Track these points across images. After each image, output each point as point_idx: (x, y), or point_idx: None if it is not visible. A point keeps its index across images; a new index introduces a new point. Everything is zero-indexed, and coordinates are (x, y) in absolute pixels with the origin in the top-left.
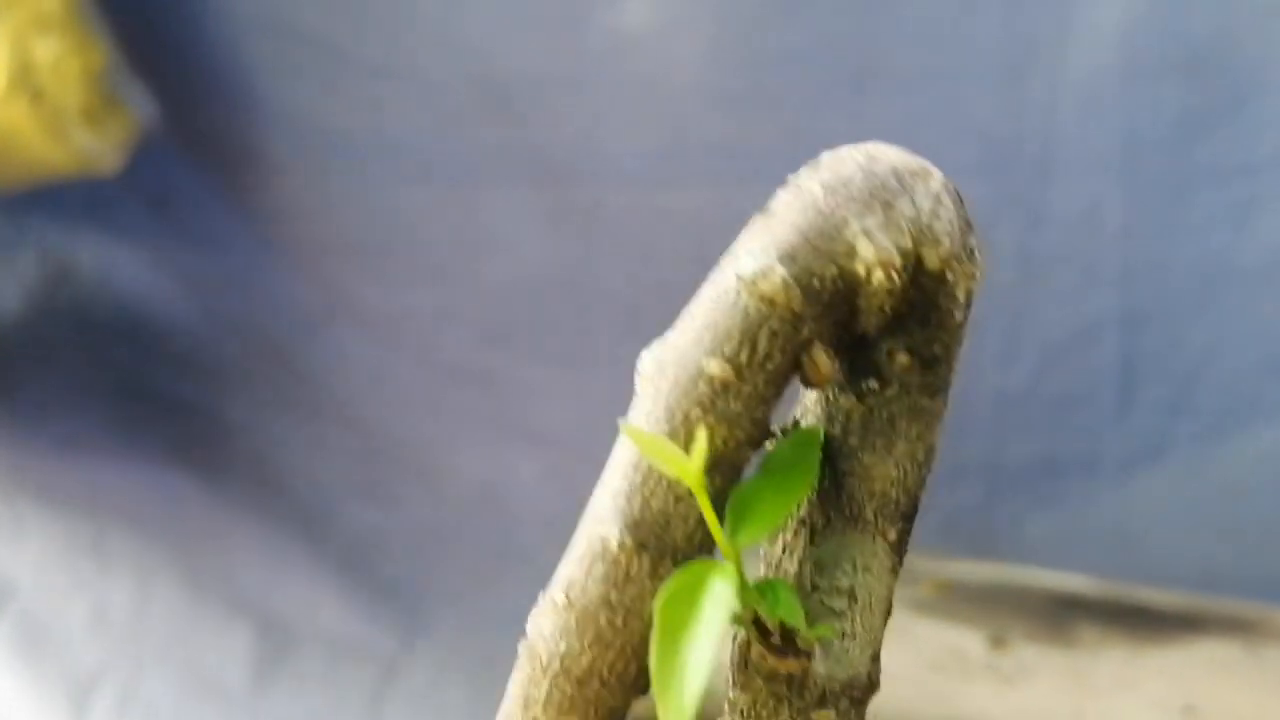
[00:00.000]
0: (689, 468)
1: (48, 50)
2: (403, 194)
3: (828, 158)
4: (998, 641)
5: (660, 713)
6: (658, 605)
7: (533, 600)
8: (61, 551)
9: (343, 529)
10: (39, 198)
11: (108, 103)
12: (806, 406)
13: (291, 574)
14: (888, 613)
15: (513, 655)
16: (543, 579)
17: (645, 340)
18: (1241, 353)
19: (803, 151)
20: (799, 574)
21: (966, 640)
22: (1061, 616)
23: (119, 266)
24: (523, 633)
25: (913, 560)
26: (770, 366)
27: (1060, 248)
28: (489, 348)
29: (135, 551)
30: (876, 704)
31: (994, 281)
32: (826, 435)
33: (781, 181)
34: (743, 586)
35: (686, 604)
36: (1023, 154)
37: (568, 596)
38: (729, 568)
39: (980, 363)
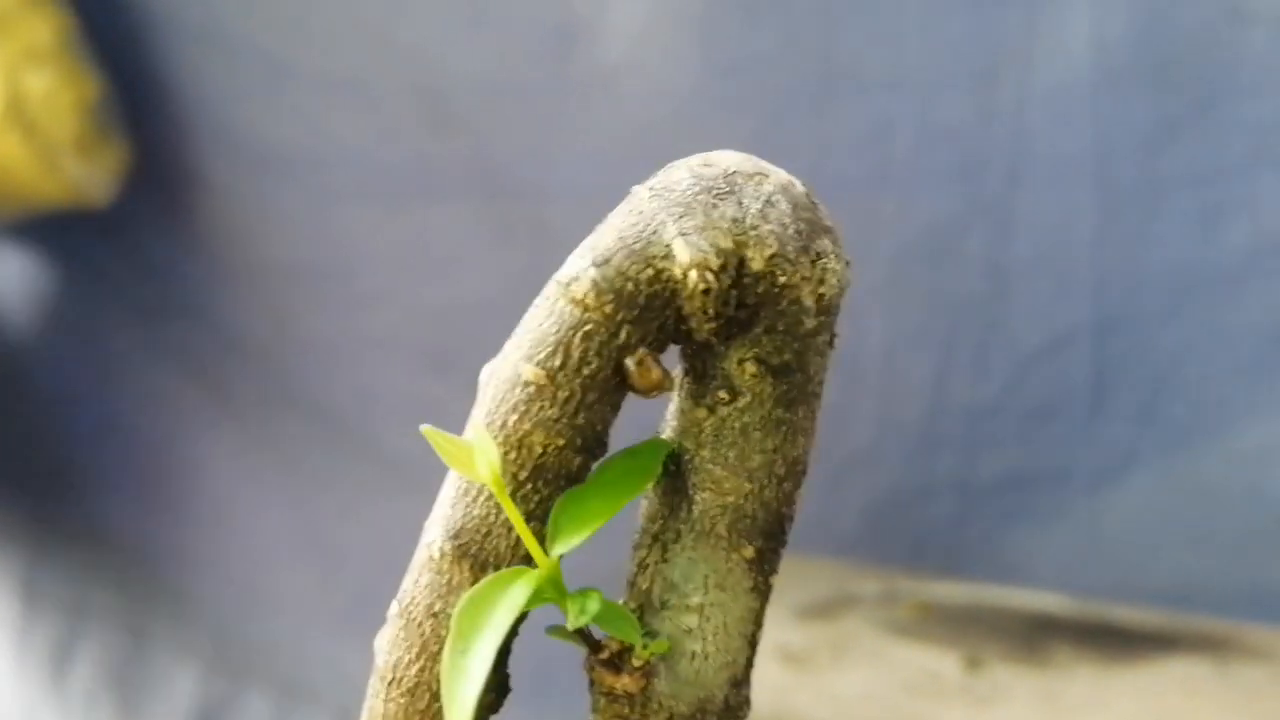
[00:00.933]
0: (482, 471)
1: (41, 83)
2: (346, 211)
3: (668, 165)
4: (973, 663)
5: (445, 716)
6: (457, 610)
7: None
8: None
9: None
10: None
11: (99, 134)
12: (665, 419)
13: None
14: (754, 636)
15: None
16: None
17: None
18: (1211, 359)
19: (767, 159)
20: (649, 591)
21: (942, 662)
22: (1036, 637)
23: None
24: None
25: (891, 582)
26: (587, 371)
27: (1031, 257)
28: (433, 373)
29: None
30: None
31: (965, 293)
32: (681, 448)
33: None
34: (549, 591)
35: (483, 608)
36: (992, 162)
37: (400, 606)
38: (533, 573)
39: (951, 377)
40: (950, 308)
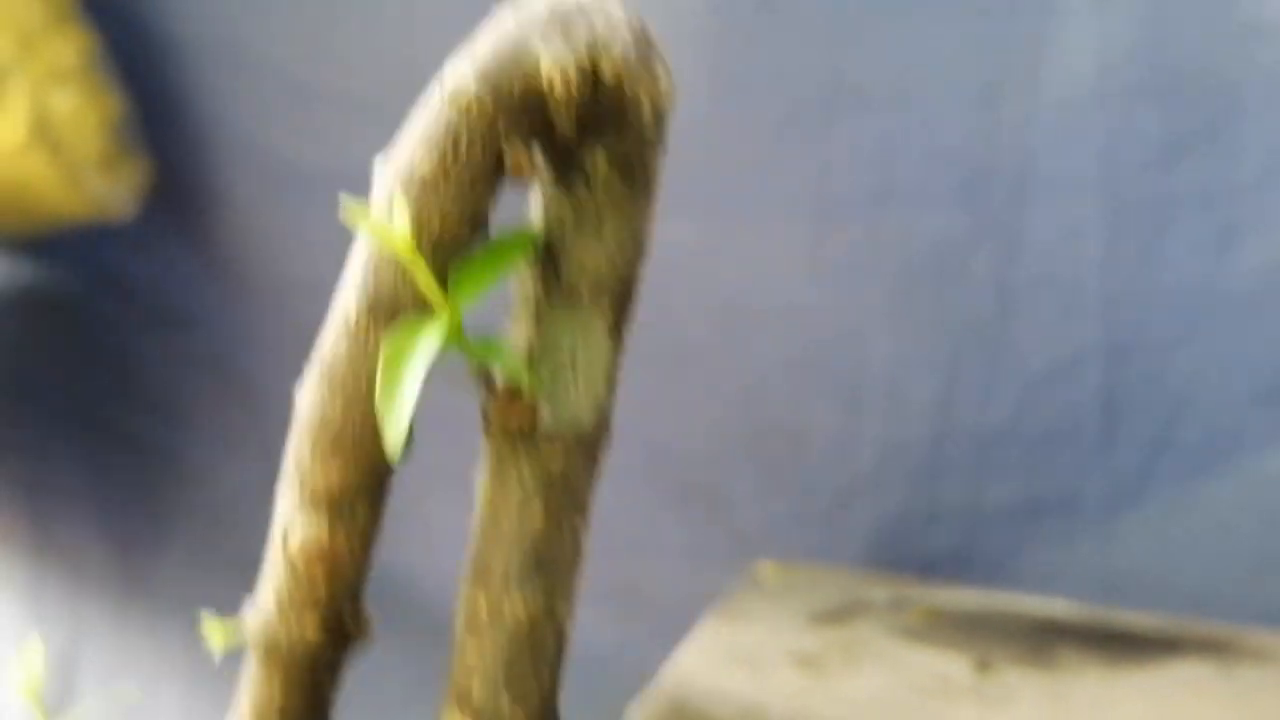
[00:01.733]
0: (395, 236)
1: (65, 102)
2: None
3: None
4: (982, 666)
5: (382, 431)
6: (383, 349)
7: None
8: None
9: None
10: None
11: (121, 151)
12: (532, 207)
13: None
14: (613, 376)
15: None
16: None
17: None
18: (1226, 383)
19: (770, 178)
20: (528, 345)
21: (952, 665)
22: (1043, 641)
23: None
24: None
25: (901, 588)
26: (473, 161)
27: (1039, 277)
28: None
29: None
30: None
31: (971, 315)
32: (548, 231)
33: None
34: (455, 335)
35: (404, 345)
36: (999, 180)
37: (321, 369)
38: (441, 316)
39: (957, 401)
40: (956, 329)
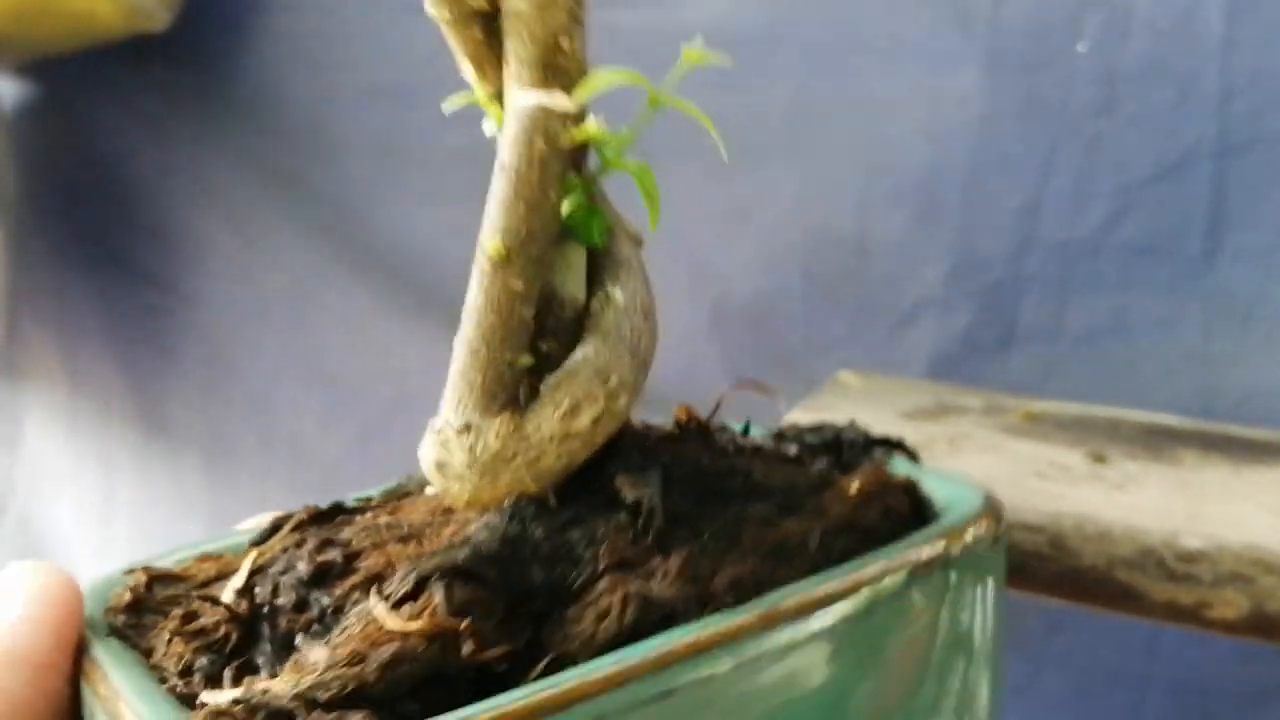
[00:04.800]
0: None
1: None
2: (417, 24)
3: None
4: (1098, 458)
5: None
6: None
7: None
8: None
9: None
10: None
11: None
12: None
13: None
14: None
15: None
16: None
17: None
18: None
19: None
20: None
21: (1066, 456)
22: (1158, 442)
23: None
24: None
25: (994, 399)
26: None
27: (1148, 63)
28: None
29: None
30: None
31: (1068, 104)
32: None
33: None
34: None
35: None
36: None
37: None
38: None
39: (1045, 206)
40: (1050, 121)
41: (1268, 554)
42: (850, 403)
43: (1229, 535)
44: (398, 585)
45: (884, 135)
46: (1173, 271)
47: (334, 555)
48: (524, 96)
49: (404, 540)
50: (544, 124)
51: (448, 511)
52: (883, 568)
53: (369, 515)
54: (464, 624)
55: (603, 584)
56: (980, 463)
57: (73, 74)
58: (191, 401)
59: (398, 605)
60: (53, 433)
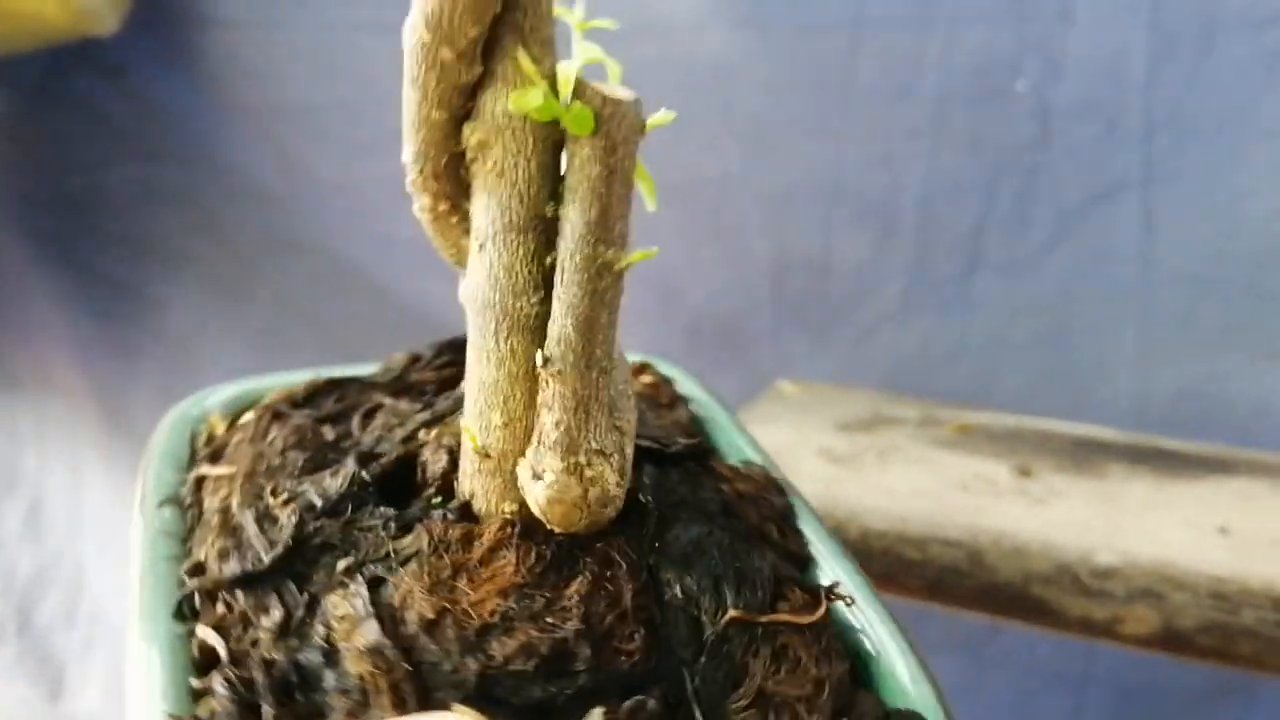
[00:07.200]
0: None
1: None
2: (363, 43)
3: None
4: (1024, 472)
5: None
6: None
7: None
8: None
9: None
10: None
11: None
12: None
13: None
14: None
15: None
16: None
17: None
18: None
19: None
20: None
21: (994, 469)
22: (1087, 455)
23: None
24: None
25: (930, 409)
26: None
27: (1081, 100)
28: None
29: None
30: (905, 516)
31: (1010, 138)
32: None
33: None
34: None
35: None
36: None
37: None
38: None
39: (991, 229)
40: (994, 152)
41: (1178, 571)
42: (788, 412)
43: (1143, 551)
44: None
45: (841, 163)
46: (1107, 288)
47: None
48: None
49: None
50: None
51: None
52: None
53: None
54: None
55: None
56: (907, 477)
57: (39, 85)
58: (154, 404)
59: None
60: (20, 434)
